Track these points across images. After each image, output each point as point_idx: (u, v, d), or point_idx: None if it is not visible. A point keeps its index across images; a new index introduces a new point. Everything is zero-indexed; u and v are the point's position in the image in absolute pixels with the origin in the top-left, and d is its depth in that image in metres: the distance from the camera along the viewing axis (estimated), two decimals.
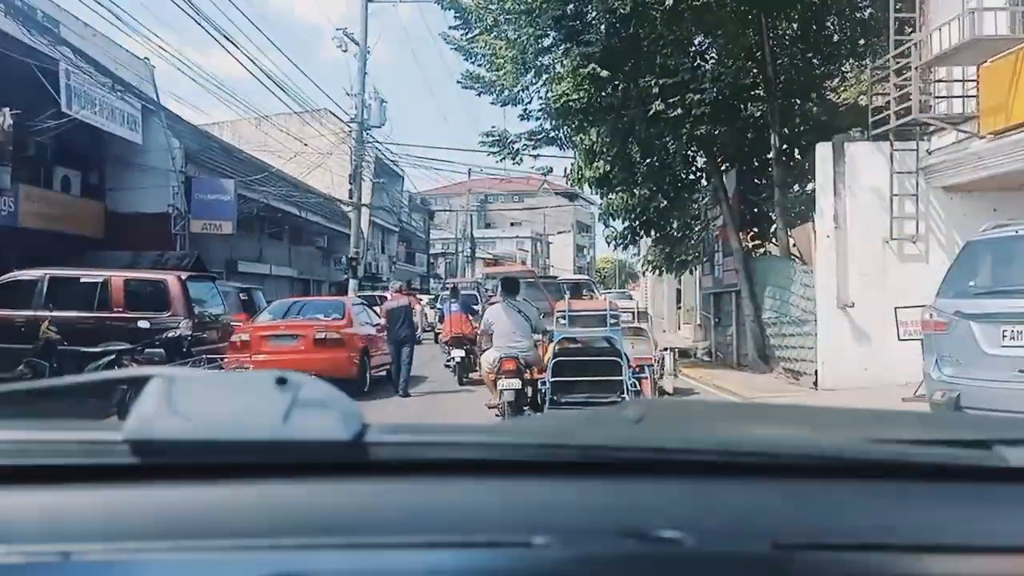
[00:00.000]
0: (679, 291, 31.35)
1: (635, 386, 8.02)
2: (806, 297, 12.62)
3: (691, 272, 20.36)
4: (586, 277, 42.73)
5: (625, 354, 8.12)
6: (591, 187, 18.17)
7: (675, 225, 18.19)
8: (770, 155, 15.10)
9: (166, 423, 0.79)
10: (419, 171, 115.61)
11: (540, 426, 1.26)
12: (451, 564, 0.76)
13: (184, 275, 11.43)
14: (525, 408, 8.07)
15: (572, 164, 17.74)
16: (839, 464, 0.89)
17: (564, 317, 8.62)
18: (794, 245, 14.33)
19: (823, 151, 11.56)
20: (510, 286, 9.17)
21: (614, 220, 18.31)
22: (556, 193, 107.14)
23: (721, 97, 12.96)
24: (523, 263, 65.55)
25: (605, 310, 8.73)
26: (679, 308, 31.26)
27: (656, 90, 13.12)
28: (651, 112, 13.17)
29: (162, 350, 9.44)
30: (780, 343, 13.59)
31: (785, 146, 14.63)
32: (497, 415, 8.13)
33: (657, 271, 19.69)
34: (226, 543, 0.75)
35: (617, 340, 8.24)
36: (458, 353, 13.59)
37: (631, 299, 29.44)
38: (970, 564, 0.80)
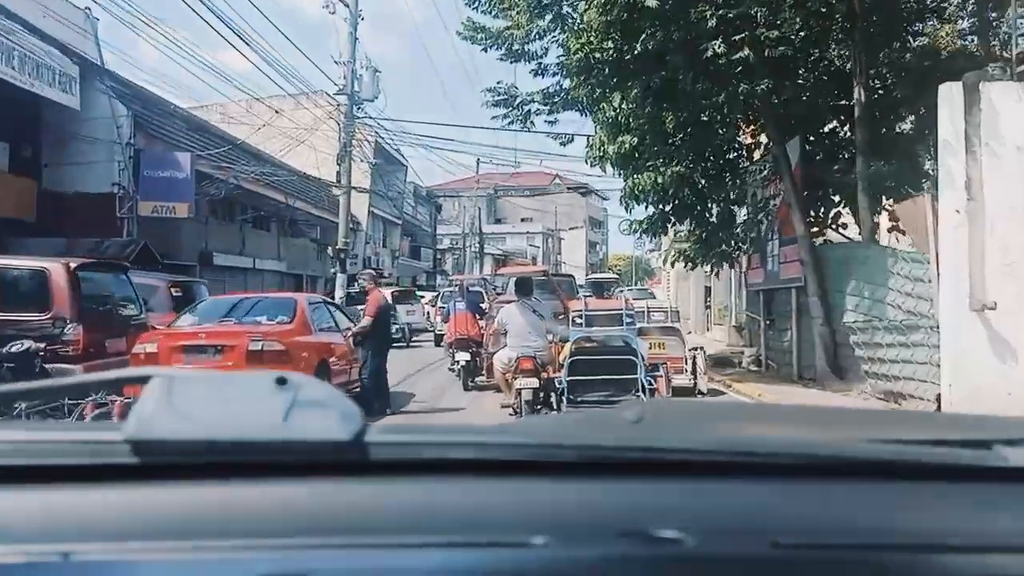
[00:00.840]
0: (708, 288, 27.84)
1: (651, 384, 8.44)
2: (914, 295, 10.37)
3: (729, 266, 16.77)
4: (613, 276, 43.77)
5: (641, 353, 8.61)
6: (614, 166, 15.63)
7: (714, 210, 16.18)
8: (833, 123, 11.67)
9: (166, 423, 0.81)
10: (422, 159, 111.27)
11: (540, 426, 1.23)
12: (451, 564, 0.79)
13: (75, 263, 8.08)
14: (539, 407, 8.49)
15: (591, 140, 15.51)
16: (839, 464, 0.91)
17: (581, 317, 9.15)
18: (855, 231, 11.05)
19: (950, 94, 8.08)
20: (524, 286, 9.75)
21: (639, 204, 15.87)
22: (568, 188, 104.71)
23: (805, 34, 9.47)
24: (533, 260, 63.70)
25: (621, 310, 9.24)
26: (708, 308, 27.68)
27: (714, 23, 9.55)
28: (706, 55, 9.66)
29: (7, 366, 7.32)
30: (871, 355, 11.51)
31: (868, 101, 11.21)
32: (512, 414, 8.62)
33: (690, 264, 16.08)
34: (226, 543, 0.77)
35: (633, 339, 8.79)
36: (463, 356, 12.53)
37: (653, 297, 27.52)
38: (970, 564, 0.81)
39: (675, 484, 0.85)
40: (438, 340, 22.64)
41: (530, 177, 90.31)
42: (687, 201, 15.29)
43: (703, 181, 15.52)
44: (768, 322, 15.96)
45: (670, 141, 14.27)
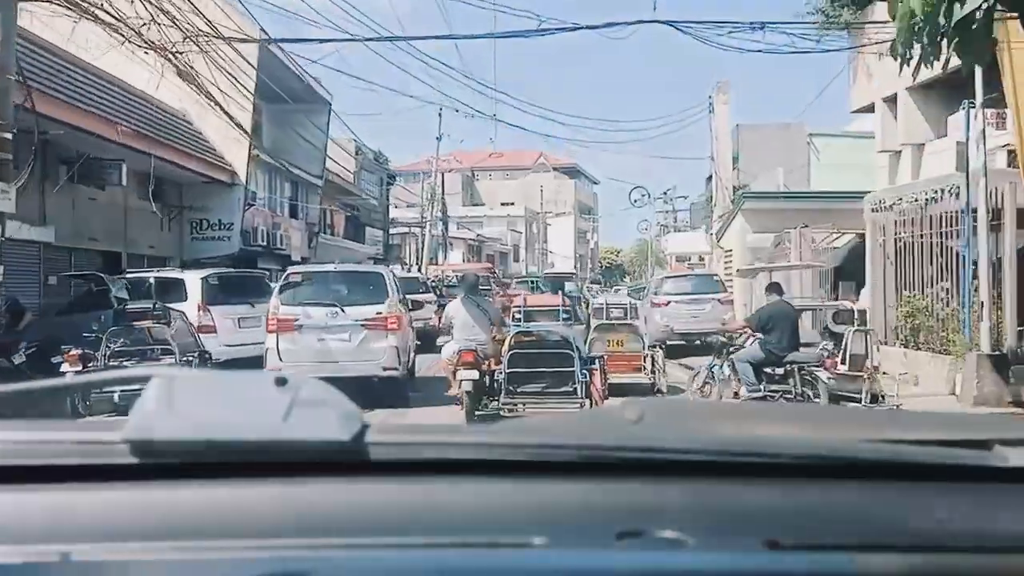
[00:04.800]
0: (824, 274, 13.86)
1: (586, 377, 8.56)
2: None
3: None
4: (570, 272, 41.61)
5: (577, 347, 8.86)
6: None
7: None
8: None
9: (166, 423, 0.81)
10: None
11: (539, 426, 1.19)
12: (451, 564, 0.78)
13: None
14: (483, 397, 8.81)
15: None
16: (839, 464, 0.90)
17: (520, 312, 9.97)
18: None
19: None
20: (469, 282, 10.26)
21: None
22: (555, 169, 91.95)
23: None
24: (515, 248, 59.23)
25: (558, 306, 10.18)
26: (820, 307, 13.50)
27: None
28: None
29: None
30: None
31: None
32: (457, 403, 8.88)
33: None
34: (226, 543, 0.77)
35: (570, 334, 9.10)
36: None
37: (723, 287, 18.05)
38: (970, 564, 0.81)
39: (675, 484, 0.85)
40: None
41: (511, 157, 77.12)
42: None
43: None
44: None
45: None
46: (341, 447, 0.78)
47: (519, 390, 8.48)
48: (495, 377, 8.74)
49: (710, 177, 32.42)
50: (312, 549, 0.75)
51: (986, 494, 0.87)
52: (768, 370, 9.01)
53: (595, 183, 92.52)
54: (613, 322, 12.25)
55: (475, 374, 8.51)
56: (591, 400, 8.52)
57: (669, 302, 16.91)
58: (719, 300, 17.04)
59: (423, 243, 38.70)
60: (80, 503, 0.79)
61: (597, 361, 8.96)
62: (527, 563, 0.76)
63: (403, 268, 41.17)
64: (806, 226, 16.96)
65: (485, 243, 58.20)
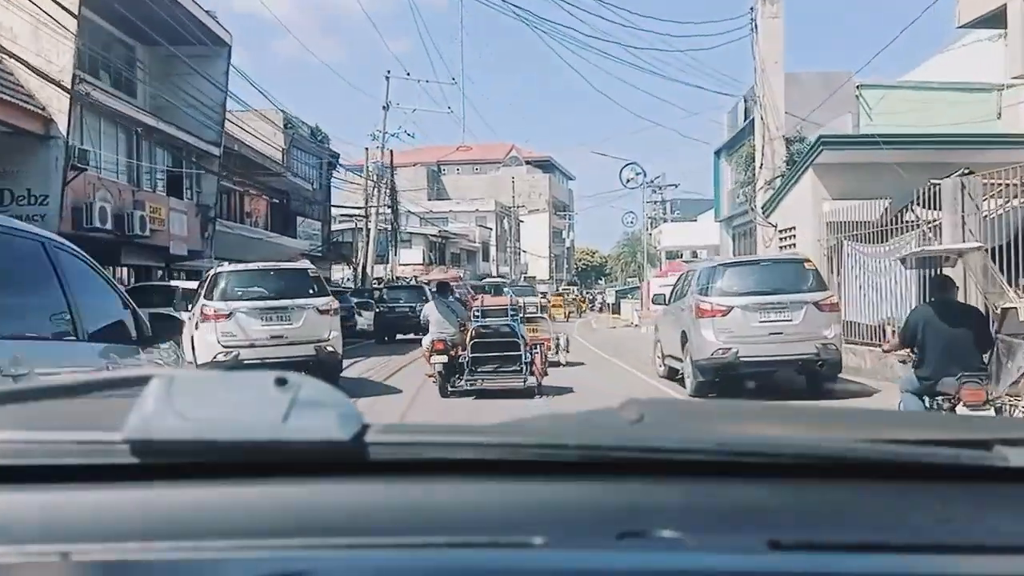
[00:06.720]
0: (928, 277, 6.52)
1: (529, 359, 11.33)
2: None
3: None
4: (502, 279, 43.05)
5: (523, 336, 11.70)
6: None
7: None
8: None
9: (166, 423, 0.79)
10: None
11: (539, 426, 1.11)
12: (451, 564, 0.77)
13: None
14: (452, 376, 11.47)
15: None
16: (839, 464, 0.88)
17: (479, 311, 12.04)
18: None
19: None
20: (441, 288, 13.17)
21: None
22: (527, 162, 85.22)
23: None
24: (484, 246, 55.56)
25: (507, 306, 12.27)
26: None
27: None
28: None
29: None
30: None
31: None
32: (433, 381, 11.73)
33: None
34: (226, 543, 0.76)
35: (516, 327, 11.75)
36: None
37: (821, 282, 11.01)
38: (970, 564, 0.80)
39: (675, 484, 0.84)
40: None
41: (481, 150, 70.82)
42: None
43: None
44: None
45: None
46: (341, 447, 0.78)
47: (479, 370, 11.33)
48: (461, 360, 11.42)
49: (724, 149, 26.09)
50: (312, 549, 0.74)
51: (986, 494, 0.86)
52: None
53: (571, 178, 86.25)
54: (529, 315, 17.27)
55: (444, 358, 11.30)
56: (534, 376, 11.29)
57: (731, 308, 10.16)
58: (817, 304, 10.22)
59: (368, 237, 31.96)
60: (80, 503, 0.79)
61: (539, 347, 11.78)
62: (527, 563, 0.75)
63: (350, 267, 35.09)
64: (969, 172, 9.66)
65: (450, 240, 51.49)
